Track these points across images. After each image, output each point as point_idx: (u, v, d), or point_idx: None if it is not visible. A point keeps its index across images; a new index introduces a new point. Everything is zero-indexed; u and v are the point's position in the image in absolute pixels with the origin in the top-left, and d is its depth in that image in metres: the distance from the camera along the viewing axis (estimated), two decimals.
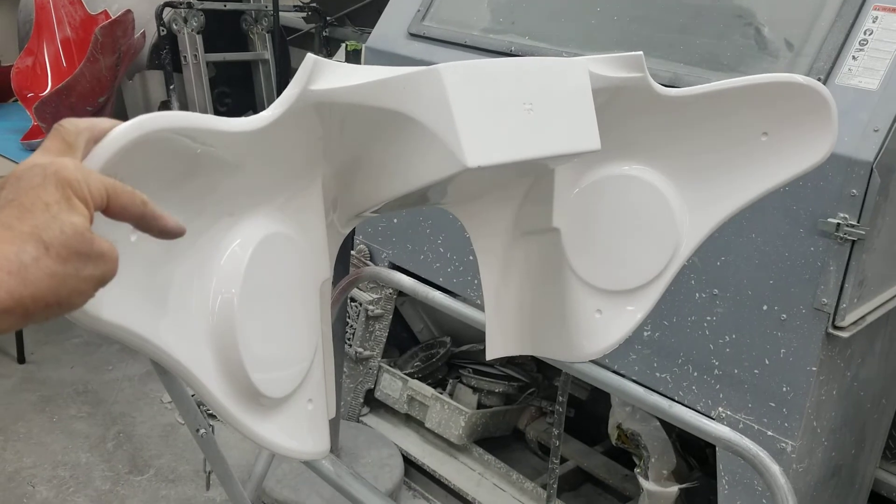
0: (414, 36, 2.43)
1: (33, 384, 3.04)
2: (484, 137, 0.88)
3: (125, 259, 0.64)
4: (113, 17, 2.89)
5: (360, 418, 2.79)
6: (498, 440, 2.78)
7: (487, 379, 2.68)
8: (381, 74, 0.86)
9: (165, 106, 3.45)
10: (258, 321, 0.82)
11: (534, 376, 2.81)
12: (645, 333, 1.99)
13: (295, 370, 0.89)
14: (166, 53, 3.32)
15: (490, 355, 1.29)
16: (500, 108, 0.91)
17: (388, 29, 2.50)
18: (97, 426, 2.82)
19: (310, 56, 0.81)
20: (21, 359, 3.16)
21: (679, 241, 1.23)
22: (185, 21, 3.37)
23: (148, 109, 3.58)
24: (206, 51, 3.48)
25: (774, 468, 1.16)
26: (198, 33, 3.41)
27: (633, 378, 2.05)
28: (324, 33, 3.67)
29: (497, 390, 2.68)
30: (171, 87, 3.39)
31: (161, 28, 3.26)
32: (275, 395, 0.86)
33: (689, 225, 1.23)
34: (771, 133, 1.19)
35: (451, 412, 2.58)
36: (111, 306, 0.63)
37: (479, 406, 2.68)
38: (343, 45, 3.04)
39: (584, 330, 1.25)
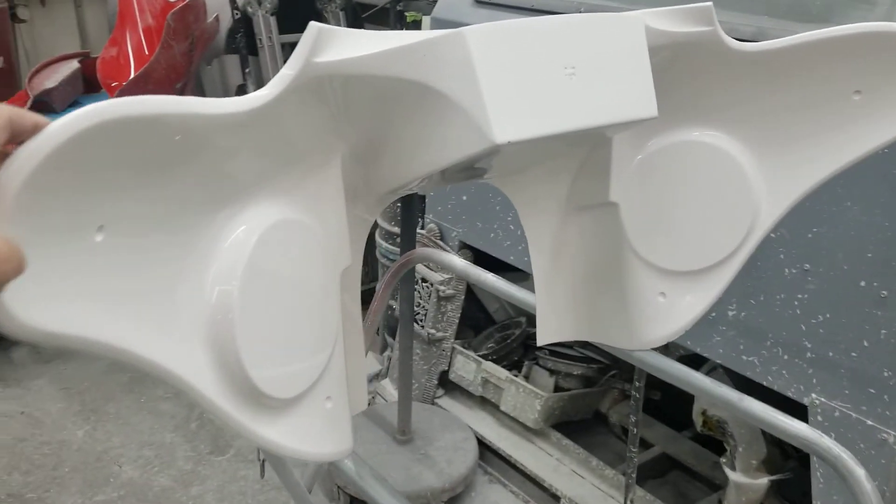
0: (480, 3, 2.33)
1: (123, 365, 3.13)
2: (516, 109, 0.79)
3: (89, 263, 0.58)
4: (185, 2, 2.90)
5: (435, 400, 2.74)
6: (579, 424, 2.67)
7: (565, 361, 2.58)
8: (398, 41, 0.77)
9: (242, 90, 3.47)
10: (262, 315, 0.76)
11: (616, 357, 2.68)
12: (730, 313, 1.84)
13: (308, 367, 0.83)
14: (241, 36, 3.32)
15: (541, 341, 1.20)
16: (536, 74, 0.81)
17: None
18: (182, 406, 2.88)
19: (313, 24, 0.73)
20: None
21: (756, 215, 1.10)
22: (259, 3, 3.36)
23: (227, 94, 3.61)
24: (281, 32, 3.47)
25: (859, 472, 1.03)
26: (272, 15, 3.40)
27: (718, 361, 1.91)
28: (398, 7, 3.60)
29: (575, 373, 2.57)
30: (247, 70, 3.40)
31: (235, 11, 3.27)
32: (283, 396, 0.79)
33: (768, 196, 1.10)
34: (865, 91, 1.05)
35: (527, 395, 2.50)
36: (67, 318, 0.57)
37: (557, 389, 2.58)
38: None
39: (645, 315, 1.14)
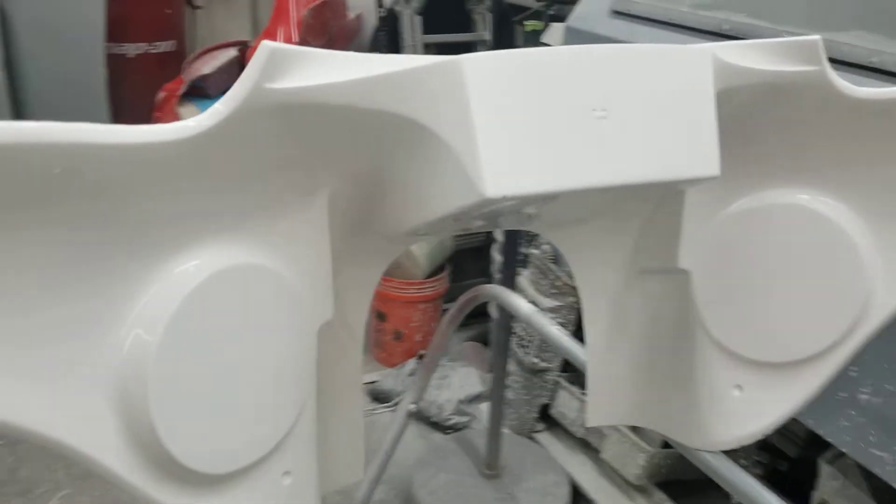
0: (618, 14, 2.12)
1: None
2: (519, 156, 0.63)
3: None
4: None
5: (533, 434, 2.57)
6: (691, 485, 2.40)
7: None
8: (381, 67, 0.63)
9: None
10: (188, 375, 0.64)
11: None
12: (862, 396, 1.54)
13: (255, 438, 0.70)
14: (383, 35, 3.28)
15: (590, 422, 1.01)
16: (551, 116, 0.64)
17: (592, 6, 2.21)
18: None
19: (266, 44, 0.60)
20: None
21: (868, 302, 0.87)
22: (407, 1, 3.30)
23: None
24: (425, 33, 3.39)
25: None
26: (418, 14, 3.33)
27: (844, 449, 1.61)
28: (549, 11, 3.43)
29: None
30: None
31: (381, 9, 3.23)
32: (215, 471, 0.68)
33: (886, 278, 0.86)
34: None
35: (630, 447, 2.26)
36: None
37: (668, 444, 2.33)
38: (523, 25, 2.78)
39: (715, 410, 0.93)
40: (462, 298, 1.39)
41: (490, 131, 0.61)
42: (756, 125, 0.84)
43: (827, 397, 1.57)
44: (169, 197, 0.61)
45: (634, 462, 2.24)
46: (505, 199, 0.62)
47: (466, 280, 3.15)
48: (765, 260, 0.89)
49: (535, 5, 3.67)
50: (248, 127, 0.61)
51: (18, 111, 3.15)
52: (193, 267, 0.64)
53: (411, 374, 2.93)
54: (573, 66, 0.65)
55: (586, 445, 2.46)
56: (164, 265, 0.63)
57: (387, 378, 2.96)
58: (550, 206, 0.78)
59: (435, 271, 3.08)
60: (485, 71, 0.62)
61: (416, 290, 3.02)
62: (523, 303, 1.29)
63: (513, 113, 0.63)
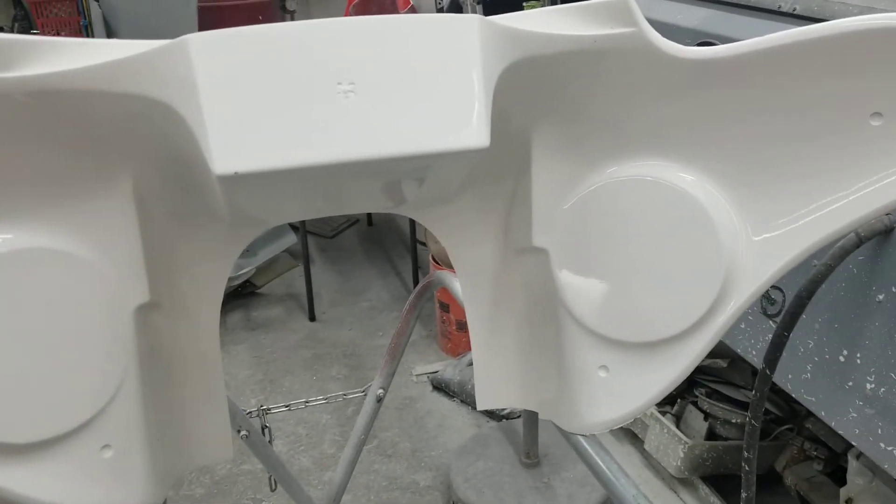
0: None
1: (312, 342, 3.32)
2: (252, 133, 0.65)
3: None
4: None
5: None
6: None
7: (724, 406, 2.20)
8: (114, 53, 0.67)
9: None
10: None
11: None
12: (868, 386, 1.41)
13: (54, 412, 0.76)
14: None
15: (481, 405, 1.00)
16: (290, 92, 0.66)
17: None
18: (347, 389, 2.98)
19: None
20: (312, 317, 3.48)
21: (730, 275, 0.81)
22: None
23: None
24: None
25: None
26: (478, 3, 3.33)
27: (854, 443, 1.48)
28: None
29: (734, 420, 2.18)
30: None
31: (439, 2, 3.25)
32: (14, 441, 0.74)
33: (750, 251, 0.81)
34: (887, 113, 0.72)
35: (670, 438, 2.18)
36: None
37: (712, 436, 2.22)
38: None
39: (584, 392, 0.90)
40: (419, 287, 1.39)
41: (219, 109, 0.64)
42: (587, 97, 0.80)
43: (836, 386, 1.45)
44: None
45: (674, 454, 2.16)
46: (237, 175, 0.64)
47: None
48: (620, 237, 0.85)
49: None
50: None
51: None
52: None
53: (470, 364, 2.94)
54: (313, 41, 0.66)
55: (633, 436, 2.39)
56: None
57: (447, 367, 3.00)
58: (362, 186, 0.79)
59: None
60: (213, 48, 0.64)
61: None
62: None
63: (245, 90, 0.64)
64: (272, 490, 1.68)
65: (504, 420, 2.72)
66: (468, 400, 2.86)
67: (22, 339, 0.73)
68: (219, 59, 0.65)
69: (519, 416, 2.74)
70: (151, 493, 0.82)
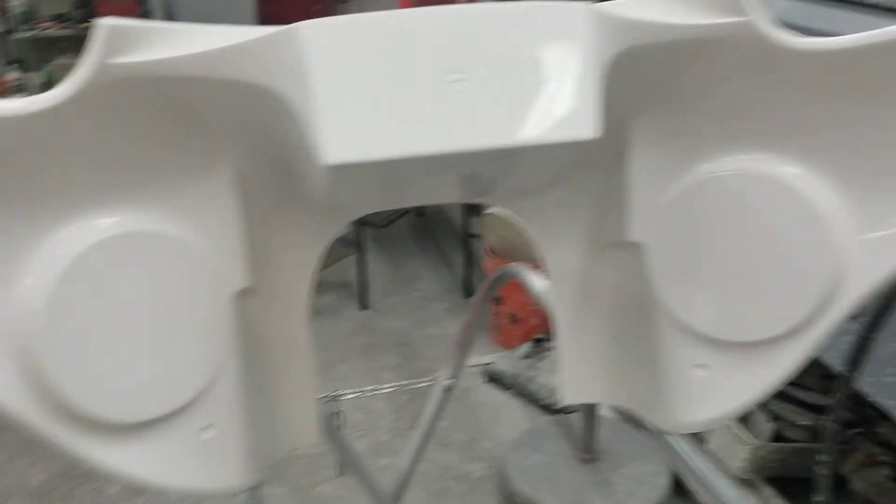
0: None
1: (366, 330, 3.33)
2: (362, 124, 0.64)
3: None
4: None
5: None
6: (809, 483, 2.22)
7: (792, 406, 2.15)
8: (224, 40, 0.66)
9: None
10: (81, 332, 0.71)
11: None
12: None
13: (160, 392, 0.76)
14: None
15: (566, 399, 0.99)
16: (399, 81, 0.65)
17: None
18: (401, 378, 2.99)
19: (103, 22, 0.64)
20: (364, 305, 3.49)
21: (840, 276, 0.79)
22: None
23: None
24: None
25: None
26: None
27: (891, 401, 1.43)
28: None
29: (801, 423, 2.13)
30: None
31: None
32: (118, 420, 0.74)
33: (862, 250, 0.78)
34: None
35: (733, 438, 2.14)
36: None
37: (778, 437, 2.17)
38: None
39: (680, 391, 0.88)
40: (489, 278, 1.38)
41: (329, 98, 0.63)
42: (694, 88, 0.78)
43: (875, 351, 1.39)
44: (41, 164, 0.68)
45: (738, 455, 2.12)
46: (347, 165, 0.63)
47: None
48: (722, 232, 0.83)
49: None
50: (107, 101, 0.66)
51: None
52: (85, 228, 0.71)
53: (525, 356, 2.93)
54: (422, 29, 0.65)
55: (694, 434, 2.35)
56: (54, 227, 0.70)
57: (502, 360, 2.98)
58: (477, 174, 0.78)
59: None
60: (323, 36, 0.63)
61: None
62: (537, 280, 1.27)
63: (355, 78, 0.63)
64: (339, 475, 1.69)
65: (559, 414, 2.70)
66: (522, 393, 2.85)
67: (128, 321, 0.74)
68: (329, 47, 0.64)
69: (575, 412, 2.72)
70: (247, 476, 0.83)
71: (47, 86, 4.78)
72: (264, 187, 0.81)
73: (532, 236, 0.94)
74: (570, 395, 0.98)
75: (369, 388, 2.26)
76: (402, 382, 2.42)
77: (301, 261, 0.87)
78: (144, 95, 0.68)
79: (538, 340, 2.98)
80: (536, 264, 2.97)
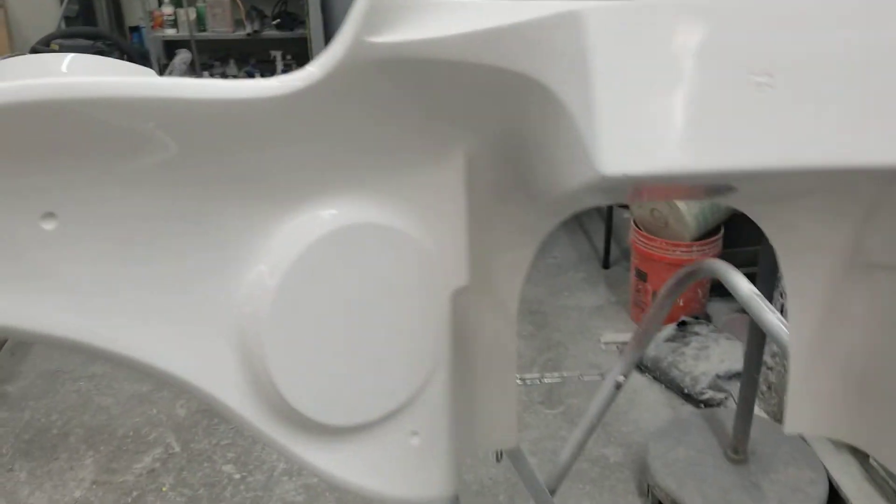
0: None
1: None
2: (646, 129, 0.55)
3: (38, 252, 0.55)
4: None
5: None
6: None
7: None
8: (495, 19, 0.58)
9: None
10: (305, 323, 0.66)
11: None
12: None
13: (378, 395, 0.71)
14: None
15: (789, 428, 0.88)
16: (693, 81, 0.55)
17: None
18: (533, 349, 2.92)
19: None
20: None
21: None
22: None
23: None
24: None
25: None
26: None
27: None
28: None
29: None
30: None
31: None
32: (334, 423, 0.70)
33: None
34: None
35: None
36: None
37: None
38: None
39: None
40: (682, 271, 1.27)
41: (612, 97, 0.54)
42: None
43: None
44: (284, 149, 0.62)
45: None
46: (626, 178, 0.55)
47: (742, 246, 2.90)
48: None
49: None
50: (355, 82, 0.59)
51: None
52: (317, 217, 0.66)
53: (668, 339, 2.79)
54: (724, 21, 0.54)
55: (853, 447, 2.17)
56: (289, 215, 0.65)
57: None
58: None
59: (706, 234, 2.88)
60: (611, 25, 0.54)
61: (682, 252, 2.85)
62: (744, 282, 1.14)
63: (642, 76, 0.54)
64: (497, 461, 1.64)
65: (704, 406, 2.57)
66: (661, 378, 2.73)
67: (349, 318, 0.68)
68: (616, 36, 0.54)
69: (720, 405, 2.58)
70: (451, 483, 0.77)
71: (200, 21, 4.86)
72: (491, 178, 0.73)
73: (773, 244, 0.82)
74: (794, 423, 0.87)
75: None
76: (556, 373, 2.33)
77: (517, 254, 0.80)
78: (392, 76, 0.60)
79: (682, 323, 2.83)
80: (686, 244, 2.82)
